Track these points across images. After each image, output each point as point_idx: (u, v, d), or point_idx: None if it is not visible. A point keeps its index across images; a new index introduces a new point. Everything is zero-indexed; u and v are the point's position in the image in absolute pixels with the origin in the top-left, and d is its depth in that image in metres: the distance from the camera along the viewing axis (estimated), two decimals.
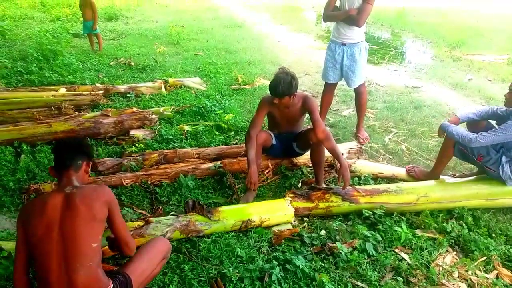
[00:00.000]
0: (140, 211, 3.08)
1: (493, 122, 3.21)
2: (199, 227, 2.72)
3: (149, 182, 3.33)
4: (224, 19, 10.43)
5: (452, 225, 2.84)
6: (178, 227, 2.67)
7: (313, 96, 5.44)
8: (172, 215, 2.86)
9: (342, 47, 3.97)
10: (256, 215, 2.82)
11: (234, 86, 5.76)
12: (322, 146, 3.14)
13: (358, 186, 3.14)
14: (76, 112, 4.59)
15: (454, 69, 6.61)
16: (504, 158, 2.92)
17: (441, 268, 2.52)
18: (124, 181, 3.30)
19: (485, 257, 2.62)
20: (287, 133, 3.44)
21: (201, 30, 9.34)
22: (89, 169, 2.08)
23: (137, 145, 3.92)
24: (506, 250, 2.68)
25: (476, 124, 3.21)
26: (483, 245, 2.67)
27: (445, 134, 3.15)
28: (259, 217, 2.82)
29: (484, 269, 2.56)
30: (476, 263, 2.58)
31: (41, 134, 3.95)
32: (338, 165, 3.02)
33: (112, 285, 1.93)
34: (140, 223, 2.68)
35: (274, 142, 3.41)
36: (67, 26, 9.22)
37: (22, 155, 3.66)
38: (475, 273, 2.52)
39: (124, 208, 3.02)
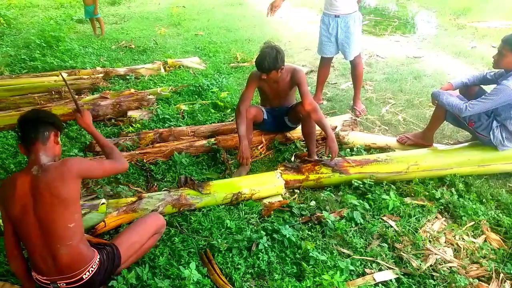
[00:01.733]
0: (135, 188, 3.15)
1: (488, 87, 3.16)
2: (190, 201, 2.78)
3: (145, 161, 3.40)
4: None
5: (442, 192, 2.84)
6: (170, 201, 2.74)
7: (312, 70, 5.40)
8: (164, 190, 2.93)
9: (336, 19, 3.91)
10: (247, 188, 2.88)
11: (233, 64, 5.76)
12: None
13: (348, 157, 3.15)
14: (76, 96, 4.68)
15: (458, 38, 6.45)
16: (495, 123, 2.89)
17: (428, 234, 2.54)
18: None
19: (473, 222, 2.63)
20: (279, 107, 3.45)
21: (203, 10, 9.27)
22: (59, 139, 2.00)
23: (134, 125, 3.99)
24: (495, 215, 2.68)
25: (468, 89, 3.18)
26: (471, 211, 2.67)
27: (437, 102, 3.12)
28: (249, 190, 2.88)
29: (472, 234, 2.58)
30: (464, 228, 2.59)
31: None
32: None
33: (98, 256, 2.01)
34: (133, 198, 2.76)
35: (265, 117, 3.43)
36: (71, 12, 9.25)
37: None
38: (463, 238, 2.53)
39: (120, 185, 3.10)
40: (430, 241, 2.49)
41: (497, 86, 2.76)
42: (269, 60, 2.94)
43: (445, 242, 2.51)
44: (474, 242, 2.49)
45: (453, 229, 2.58)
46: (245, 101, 3.17)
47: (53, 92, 4.61)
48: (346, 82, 5.04)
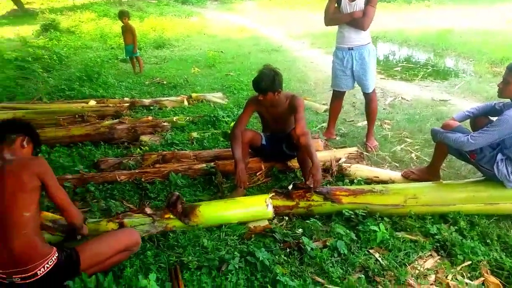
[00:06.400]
0: (128, 204, 3.17)
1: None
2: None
3: (143, 180, 3.43)
4: (263, 45, 10.69)
5: (439, 227, 2.59)
6: (154, 233, 2.65)
7: None
8: (150, 215, 2.81)
9: (350, 52, 3.88)
10: (234, 220, 2.77)
11: None
12: None
13: (342, 186, 2.99)
14: (97, 120, 4.90)
15: (492, 84, 6.16)
16: (499, 156, 2.65)
17: (416, 271, 2.30)
18: (119, 177, 3.44)
19: (471, 262, 2.35)
20: (278, 133, 3.40)
21: (239, 54, 9.63)
22: (25, 144, 2.16)
23: (143, 148, 4.08)
24: (498, 256, 2.39)
25: (476, 122, 2.99)
26: (468, 249, 2.40)
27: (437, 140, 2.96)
28: (236, 219, 2.78)
29: (468, 275, 2.30)
30: (458, 268, 2.32)
31: (60, 137, 4.28)
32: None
33: (56, 254, 2.00)
34: (114, 225, 2.59)
35: (264, 142, 3.39)
36: (118, 53, 9.97)
37: (39, 155, 3.95)
38: (456, 278, 2.27)
39: (111, 200, 3.13)
40: (417, 277, 2.25)
41: (500, 117, 2.57)
42: (266, 80, 2.95)
43: (435, 280, 2.25)
44: (468, 284, 2.21)
45: (445, 268, 2.32)
46: (240, 124, 3.16)
47: (76, 115, 4.87)
48: (364, 120, 4.90)
